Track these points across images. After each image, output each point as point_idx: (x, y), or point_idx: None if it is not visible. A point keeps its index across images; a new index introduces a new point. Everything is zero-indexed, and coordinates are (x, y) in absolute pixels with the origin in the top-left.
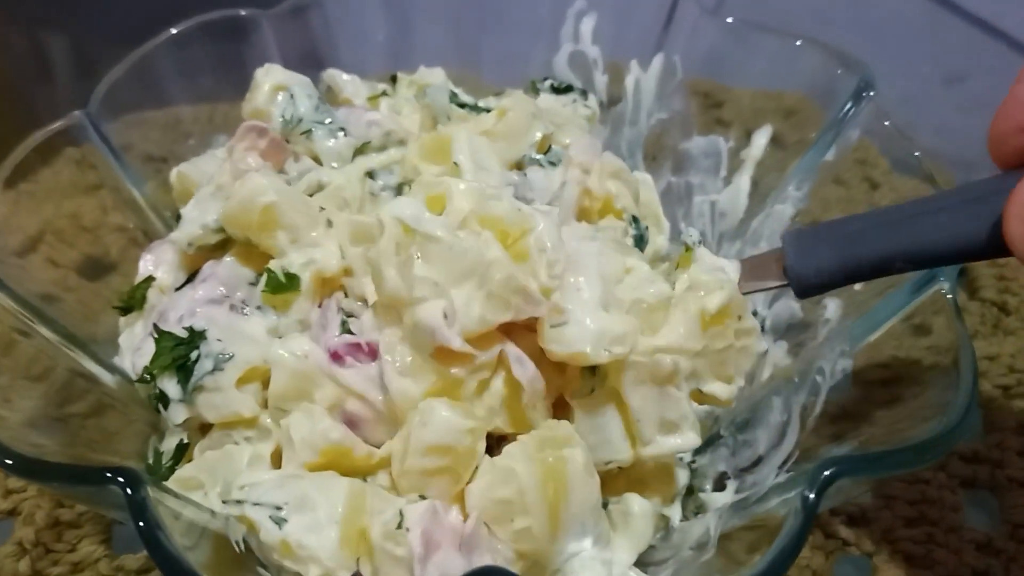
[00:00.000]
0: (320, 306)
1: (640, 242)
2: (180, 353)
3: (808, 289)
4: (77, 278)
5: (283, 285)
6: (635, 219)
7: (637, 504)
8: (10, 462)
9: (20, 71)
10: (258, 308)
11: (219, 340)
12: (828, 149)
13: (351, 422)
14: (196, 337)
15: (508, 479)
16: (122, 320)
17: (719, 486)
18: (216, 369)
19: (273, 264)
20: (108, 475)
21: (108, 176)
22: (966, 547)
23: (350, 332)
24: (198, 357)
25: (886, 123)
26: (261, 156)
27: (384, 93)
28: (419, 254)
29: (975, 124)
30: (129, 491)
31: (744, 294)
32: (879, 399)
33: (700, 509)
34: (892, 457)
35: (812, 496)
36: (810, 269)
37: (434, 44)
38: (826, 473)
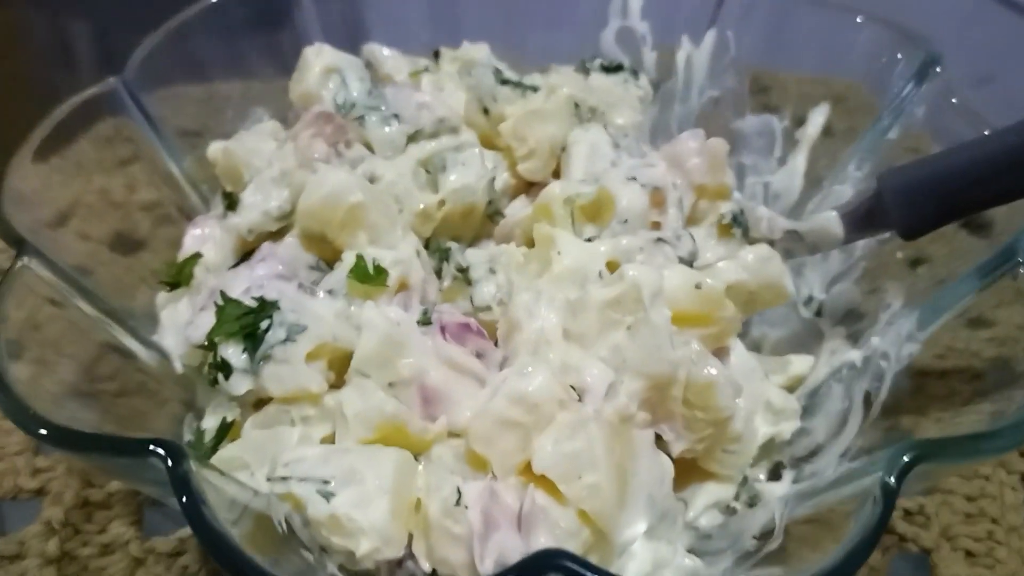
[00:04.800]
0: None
1: (741, 223)
2: (248, 322)
3: (914, 234)
4: (109, 252)
5: (369, 276)
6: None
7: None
8: (44, 432)
9: (41, 59)
10: (329, 292)
11: (292, 312)
12: (891, 127)
13: (427, 397)
14: (268, 307)
15: (577, 432)
16: (161, 298)
17: (774, 476)
18: (288, 339)
19: (362, 252)
20: (150, 447)
21: (144, 148)
22: None
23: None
24: (269, 326)
25: (953, 100)
26: (325, 142)
27: (426, 69)
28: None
29: (1005, 124)
30: (171, 464)
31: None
32: (937, 393)
33: (754, 499)
34: (974, 442)
35: (892, 481)
36: (913, 215)
37: (478, 17)
38: (907, 457)
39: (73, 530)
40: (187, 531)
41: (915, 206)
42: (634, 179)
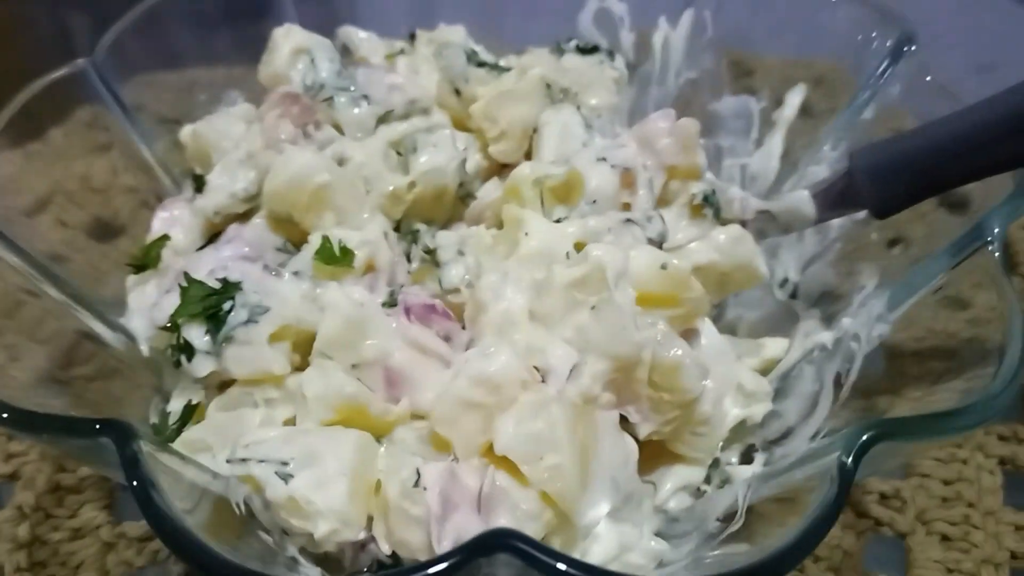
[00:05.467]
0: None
1: (713, 203)
2: (211, 303)
3: (886, 212)
4: (86, 239)
5: (335, 258)
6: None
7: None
8: (5, 415)
9: (41, 52)
10: (295, 274)
11: (255, 293)
12: (866, 107)
13: (391, 379)
14: (231, 288)
15: (539, 413)
16: (130, 281)
17: (747, 459)
18: (250, 320)
19: (328, 233)
20: (97, 427)
21: (118, 134)
22: (1005, 530)
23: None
24: (232, 307)
25: (928, 78)
26: (292, 123)
27: (402, 51)
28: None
29: None
30: (120, 445)
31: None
32: (912, 373)
33: (725, 483)
34: (934, 421)
35: (849, 461)
36: (885, 193)
37: (456, 1)
38: (864, 437)
39: (44, 514)
40: None
41: (887, 184)
42: (604, 160)
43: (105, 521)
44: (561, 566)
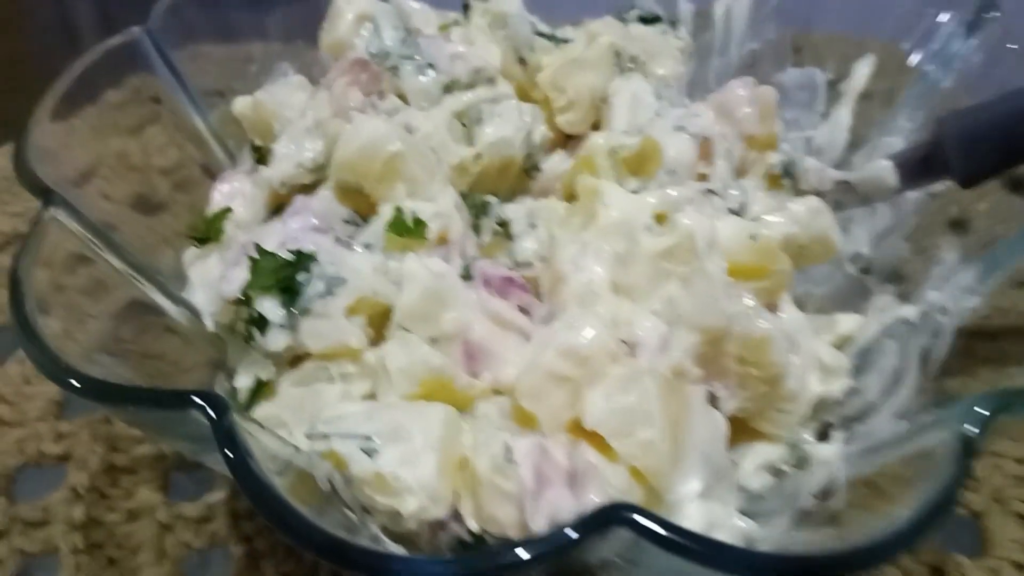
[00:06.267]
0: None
1: (791, 174)
2: (285, 275)
3: (973, 181)
4: (132, 212)
5: (408, 229)
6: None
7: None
8: (77, 384)
9: (44, 36)
10: (366, 246)
11: (331, 264)
12: (946, 74)
13: (471, 352)
14: (306, 259)
15: (631, 387)
16: (189, 254)
17: (823, 436)
18: (328, 293)
19: (400, 204)
20: (192, 399)
21: (170, 103)
22: None
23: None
24: (308, 279)
25: (1010, 46)
26: (361, 91)
27: (456, 22)
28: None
29: None
30: (215, 417)
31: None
32: (983, 354)
33: (802, 461)
34: None
35: (976, 432)
36: (973, 161)
37: None
38: (988, 408)
39: (99, 495)
40: (214, 497)
41: (976, 152)
42: (682, 129)
43: (161, 502)
44: (692, 544)
